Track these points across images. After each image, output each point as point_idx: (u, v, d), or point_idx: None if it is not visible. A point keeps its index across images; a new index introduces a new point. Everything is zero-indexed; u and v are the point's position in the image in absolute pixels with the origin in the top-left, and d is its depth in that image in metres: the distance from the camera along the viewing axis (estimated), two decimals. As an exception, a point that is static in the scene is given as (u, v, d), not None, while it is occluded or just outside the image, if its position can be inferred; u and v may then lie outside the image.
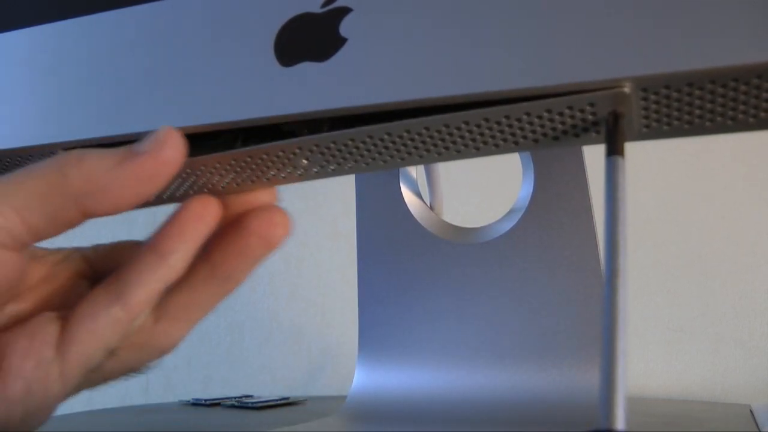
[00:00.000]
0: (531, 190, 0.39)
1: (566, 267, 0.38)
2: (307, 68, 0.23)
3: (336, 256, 0.72)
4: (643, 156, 0.62)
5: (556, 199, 0.38)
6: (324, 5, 0.24)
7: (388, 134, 0.23)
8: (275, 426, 0.40)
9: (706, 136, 0.21)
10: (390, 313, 0.41)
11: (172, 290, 0.25)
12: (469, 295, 0.40)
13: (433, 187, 0.45)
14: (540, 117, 0.21)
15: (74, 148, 0.26)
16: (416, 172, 0.44)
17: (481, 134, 0.22)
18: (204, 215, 0.24)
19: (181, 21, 0.26)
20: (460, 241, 0.40)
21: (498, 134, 0.22)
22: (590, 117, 0.21)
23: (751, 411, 0.43)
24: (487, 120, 0.21)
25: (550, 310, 0.38)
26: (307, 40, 0.23)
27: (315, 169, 0.25)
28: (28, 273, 0.25)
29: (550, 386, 0.37)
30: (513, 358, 0.38)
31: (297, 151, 0.24)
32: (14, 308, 0.25)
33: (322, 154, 0.24)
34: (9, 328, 0.24)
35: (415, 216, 0.42)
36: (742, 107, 0.20)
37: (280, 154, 0.24)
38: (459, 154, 0.23)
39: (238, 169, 0.25)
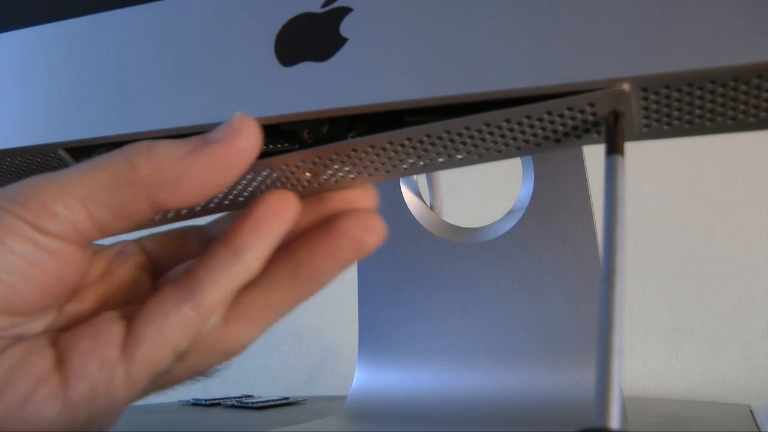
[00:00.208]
0: (531, 190, 0.39)
1: (566, 267, 0.38)
2: (307, 68, 0.23)
3: (336, 256, 0.72)
4: (643, 156, 0.62)
5: (556, 199, 0.38)
6: (324, 5, 0.24)
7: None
8: (275, 426, 0.40)
9: (706, 136, 0.21)
10: (390, 313, 0.41)
11: (246, 288, 0.23)
12: (469, 295, 0.40)
13: (433, 187, 0.45)
14: (540, 119, 0.21)
15: (74, 147, 0.26)
16: (416, 172, 0.44)
17: (483, 140, 0.22)
18: (281, 211, 0.22)
19: (181, 21, 0.26)
20: (461, 241, 0.40)
21: (500, 139, 0.22)
22: (590, 117, 0.21)
23: (751, 411, 0.43)
24: (488, 125, 0.21)
25: (550, 310, 0.38)
26: (308, 40, 0.23)
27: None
28: (89, 270, 0.24)
29: (550, 386, 0.37)
30: (513, 358, 0.38)
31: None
32: (74, 307, 0.24)
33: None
34: (69, 329, 0.23)
35: (415, 216, 0.42)
36: (742, 107, 0.20)
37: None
38: (462, 161, 0.23)
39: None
